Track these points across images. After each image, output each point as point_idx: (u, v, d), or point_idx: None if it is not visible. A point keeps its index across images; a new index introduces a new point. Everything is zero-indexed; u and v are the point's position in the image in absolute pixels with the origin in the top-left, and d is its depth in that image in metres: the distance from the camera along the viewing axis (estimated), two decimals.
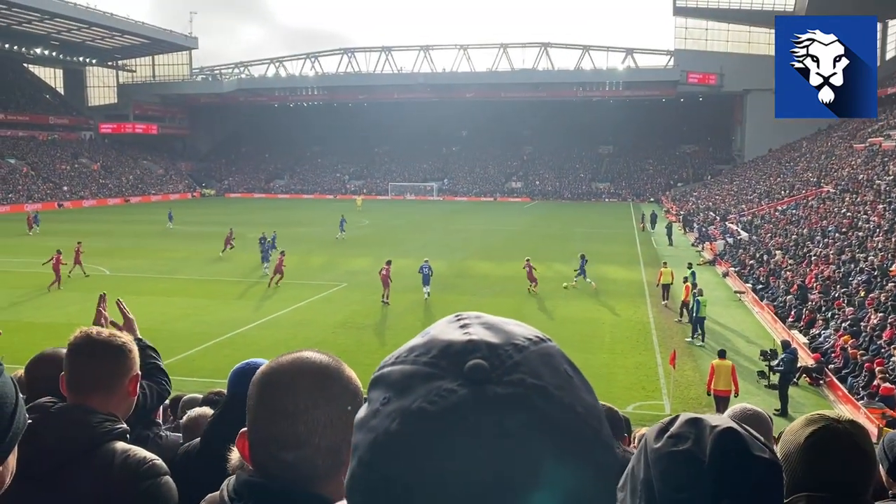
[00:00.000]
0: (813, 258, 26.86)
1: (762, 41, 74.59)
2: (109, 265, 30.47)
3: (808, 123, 63.18)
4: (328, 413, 1.21)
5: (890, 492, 2.27)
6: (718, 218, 47.13)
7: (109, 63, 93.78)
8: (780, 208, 42.63)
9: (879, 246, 24.70)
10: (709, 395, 14.95)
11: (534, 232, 48.49)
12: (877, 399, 14.51)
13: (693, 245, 41.83)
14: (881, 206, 30.34)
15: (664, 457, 1.14)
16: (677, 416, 1.22)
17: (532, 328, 0.73)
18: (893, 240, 24.67)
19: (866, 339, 17.91)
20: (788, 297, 23.67)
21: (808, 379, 16.95)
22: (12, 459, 1.52)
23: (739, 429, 1.19)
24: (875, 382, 15.11)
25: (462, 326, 0.71)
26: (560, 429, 0.62)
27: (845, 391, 15.70)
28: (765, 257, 30.40)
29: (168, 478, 2.03)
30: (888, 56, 69.11)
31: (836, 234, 29.31)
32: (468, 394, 0.62)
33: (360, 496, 0.65)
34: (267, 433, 1.21)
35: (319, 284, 28.09)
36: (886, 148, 43.02)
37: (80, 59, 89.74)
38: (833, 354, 17.79)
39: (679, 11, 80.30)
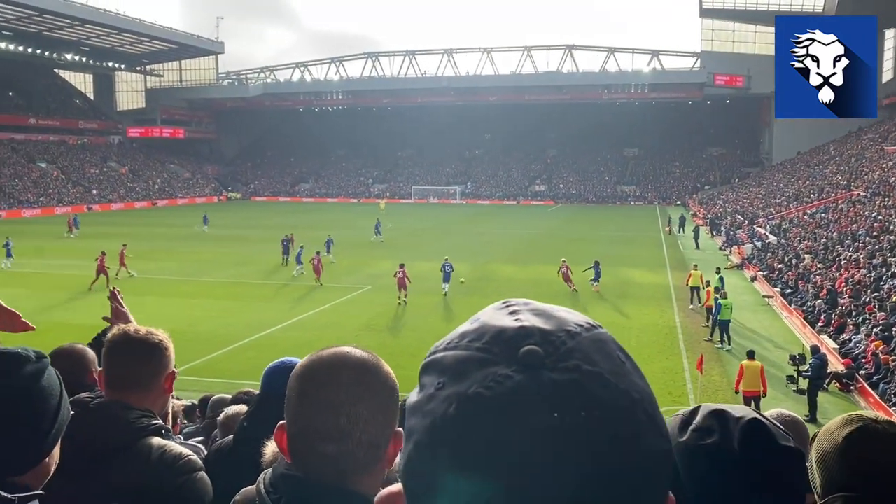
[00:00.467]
0: (843, 262, 26.43)
1: None
2: (138, 268, 30.85)
3: (837, 125, 62.21)
4: (369, 407, 1.22)
5: None
6: (746, 221, 46.56)
7: (138, 68, 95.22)
8: (808, 212, 41.97)
9: None
10: (736, 394, 14.86)
11: (558, 235, 48.24)
12: None
13: (720, 249, 41.39)
14: None
15: (691, 450, 1.15)
16: (698, 408, 1.23)
17: (582, 315, 0.73)
18: None
19: None
20: (818, 301, 23.31)
21: (838, 385, 16.71)
22: (57, 451, 1.56)
23: (763, 419, 1.20)
24: None
25: (512, 313, 0.72)
26: (616, 414, 0.62)
27: (877, 397, 15.42)
28: (793, 261, 29.97)
29: (203, 473, 2.05)
30: None
31: (867, 238, 28.80)
32: (524, 379, 0.63)
33: (417, 479, 0.65)
34: (308, 425, 1.21)
35: (344, 287, 28.24)
36: None
37: (110, 64, 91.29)
38: (864, 360, 17.50)
39: (705, 13, 79.69)
